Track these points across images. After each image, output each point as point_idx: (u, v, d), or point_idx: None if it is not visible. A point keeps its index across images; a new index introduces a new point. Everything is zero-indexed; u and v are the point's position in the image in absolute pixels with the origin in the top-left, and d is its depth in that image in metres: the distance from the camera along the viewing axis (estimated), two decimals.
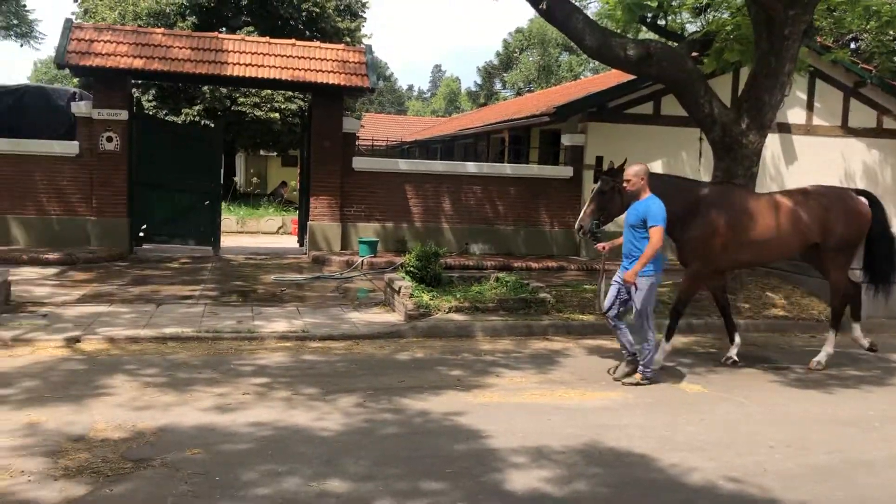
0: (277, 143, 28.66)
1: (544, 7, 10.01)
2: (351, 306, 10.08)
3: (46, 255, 12.72)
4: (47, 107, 14.58)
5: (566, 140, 15.95)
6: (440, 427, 5.52)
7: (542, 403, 6.25)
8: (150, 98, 25.86)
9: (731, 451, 5.27)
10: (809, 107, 16.64)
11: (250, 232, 21.56)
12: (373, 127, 36.41)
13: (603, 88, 15.84)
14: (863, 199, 8.15)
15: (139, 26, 20.62)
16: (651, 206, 6.86)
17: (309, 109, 16.29)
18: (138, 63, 13.86)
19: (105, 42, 14.00)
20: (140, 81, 23.39)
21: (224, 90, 24.89)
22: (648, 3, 11.80)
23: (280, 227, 22.22)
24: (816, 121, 16.70)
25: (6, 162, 13.68)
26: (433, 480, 4.52)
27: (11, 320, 8.29)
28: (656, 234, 6.76)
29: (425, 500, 4.26)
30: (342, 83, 14.63)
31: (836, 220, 7.84)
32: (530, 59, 56.47)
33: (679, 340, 8.91)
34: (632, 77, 13.83)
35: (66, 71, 15.67)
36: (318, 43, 16.77)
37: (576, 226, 7.75)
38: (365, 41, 28.92)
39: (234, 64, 14.45)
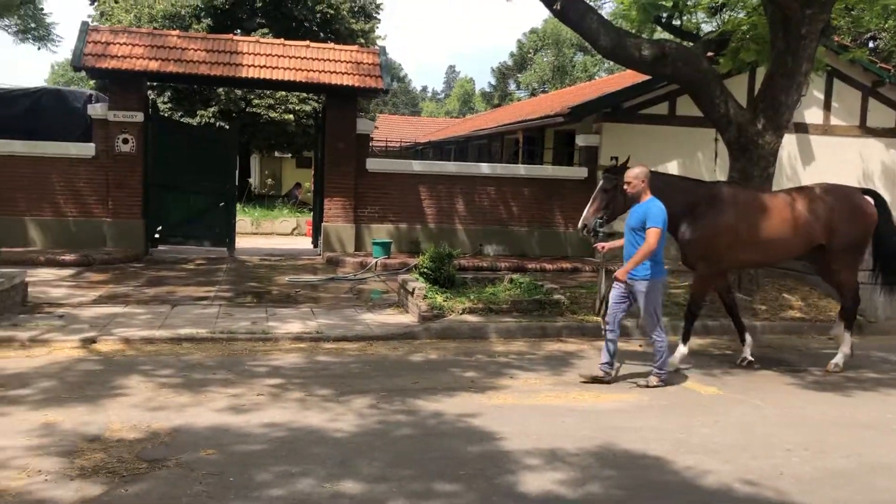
0: (292, 145, 28.75)
1: (558, 7, 9.98)
2: (365, 307, 10.09)
3: (63, 257, 12.82)
4: (64, 109, 14.68)
5: (581, 141, 15.90)
6: (454, 428, 5.51)
7: (556, 405, 6.22)
8: (166, 100, 26.01)
9: (746, 453, 5.22)
10: (827, 106, 16.52)
11: (265, 233, 21.64)
12: (387, 128, 36.48)
13: (618, 89, 15.79)
14: (869, 198, 8.07)
15: (154, 29, 20.76)
16: (651, 208, 6.80)
17: (323, 111, 16.33)
18: (154, 65, 13.95)
19: (121, 44, 14.10)
20: (155, 83, 23.53)
21: (239, 92, 25.01)
22: (663, 2, 11.74)
23: (294, 229, 22.28)
24: (834, 121, 16.57)
25: (23, 164, 13.80)
26: (447, 482, 4.51)
27: (29, 321, 8.36)
28: (652, 235, 6.67)
29: (439, 502, 4.25)
30: (356, 84, 14.66)
31: (840, 220, 7.76)
32: (544, 59, 56.37)
33: (694, 342, 8.85)
34: (647, 77, 13.78)
35: (83, 73, 15.78)
36: (332, 44, 16.84)
37: (579, 224, 7.72)
38: (379, 42, 28.98)
39: (249, 66, 14.51)
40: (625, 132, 15.50)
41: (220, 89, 24.41)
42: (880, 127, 16.71)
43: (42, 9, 15.21)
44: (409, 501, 4.23)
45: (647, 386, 6.87)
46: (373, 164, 15.25)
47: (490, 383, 6.79)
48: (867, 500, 4.57)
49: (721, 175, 14.18)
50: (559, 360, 7.83)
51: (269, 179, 33.09)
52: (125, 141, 13.96)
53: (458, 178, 15.62)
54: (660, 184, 7.34)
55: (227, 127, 23.42)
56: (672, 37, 12.59)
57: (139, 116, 14.05)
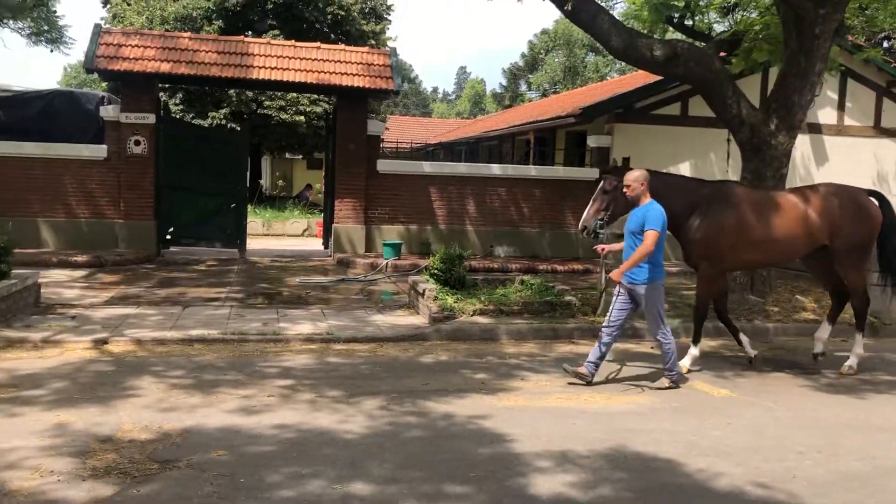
0: (303, 146, 28.83)
1: (570, 8, 9.95)
2: (375, 309, 10.09)
3: (75, 258, 12.89)
4: (76, 111, 14.75)
5: (592, 141, 15.86)
6: (464, 430, 5.49)
7: (567, 407, 6.20)
8: (177, 102, 26.14)
9: (759, 456, 5.18)
10: (841, 107, 16.42)
11: (276, 234, 21.70)
12: (397, 129, 36.49)
13: (629, 89, 15.73)
14: (873, 199, 8.00)
15: (166, 31, 20.86)
16: (650, 211, 6.75)
17: (334, 112, 16.36)
18: (165, 67, 14.00)
19: (133, 47, 14.17)
20: (167, 85, 23.63)
21: (250, 93, 25.10)
22: (675, 3, 11.70)
23: (305, 230, 22.33)
24: (848, 121, 16.46)
25: (36, 165, 13.89)
26: (457, 484, 4.50)
27: (41, 322, 8.41)
28: (650, 237, 6.62)
29: None
30: (367, 86, 14.67)
31: (844, 221, 7.70)
32: (556, 60, 56.29)
33: (707, 344, 8.82)
34: (659, 78, 13.72)
35: (95, 75, 15.88)
36: (342, 46, 16.85)
37: (579, 226, 7.67)
38: (390, 44, 29.03)
39: (260, 67, 14.55)
40: (637, 133, 15.45)
41: (232, 91, 24.52)
42: (895, 127, 16.58)
43: (55, 11, 15.28)
44: (419, 503, 4.22)
45: (659, 388, 6.84)
46: (383, 166, 15.26)
47: (501, 385, 6.78)
48: None
49: (734, 175, 14.11)
50: (570, 362, 7.77)
51: (280, 181, 33.19)
52: (137, 143, 14.03)
53: (468, 179, 15.62)
54: (660, 184, 7.32)
55: (239, 128, 23.51)
56: (684, 37, 12.55)
57: (151, 118, 14.11)
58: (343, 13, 27.25)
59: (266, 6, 26.79)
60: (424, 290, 9.46)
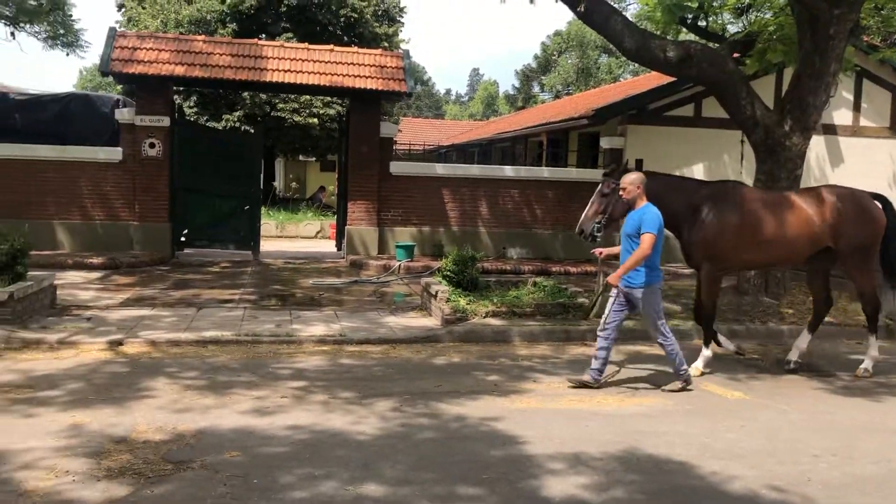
0: (316, 149, 28.91)
1: (582, 10, 9.95)
2: (388, 310, 10.11)
3: (90, 260, 12.98)
4: (92, 114, 14.87)
5: (605, 143, 15.83)
6: (477, 432, 5.50)
7: (579, 409, 6.19)
8: (192, 104, 26.27)
9: (773, 459, 5.15)
10: (856, 107, 16.30)
11: (289, 236, 21.77)
12: (410, 131, 36.55)
13: (642, 91, 15.69)
14: (877, 202, 7.94)
15: (180, 34, 20.98)
16: (646, 213, 6.69)
17: (347, 114, 16.41)
18: (180, 70, 14.09)
19: (147, 50, 14.27)
20: (181, 88, 23.77)
21: (264, 96, 25.21)
22: (689, 3, 11.66)
23: (318, 232, 22.40)
24: (863, 122, 16.35)
25: (52, 168, 14.01)
26: (470, 486, 4.50)
27: (57, 323, 8.48)
28: (647, 240, 6.56)
29: None
30: (380, 88, 14.70)
31: (848, 223, 7.64)
32: (569, 61, 56.19)
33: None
34: (672, 79, 13.68)
35: (110, 78, 15.99)
36: (356, 48, 16.89)
37: (577, 228, 7.63)
38: (403, 46, 29.06)
39: (274, 70, 14.62)
40: (650, 134, 15.41)
41: (245, 93, 24.62)
42: None
43: (71, 15, 15.36)
44: None
45: (672, 391, 6.81)
46: (396, 168, 15.29)
47: (513, 387, 6.77)
48: None
49: (748, 177, 14.04)
50: (583, 363, 7.76)
51: (294, 183, 33.32)
52: (152, 145, 14.12)
53: (481, 180, 15.62)
54: (660, 186, 7.29)
55: (252, 131, 23.67)
56: (697, 38, 12.49)
57: (165, 121, 14.21)
58: (356, 16, 27.32)
59: (279, 9, 26.90)
60: (437, 292, 9.46)
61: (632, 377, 7.31)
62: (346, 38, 26.47)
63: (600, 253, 7.38)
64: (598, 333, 6.90)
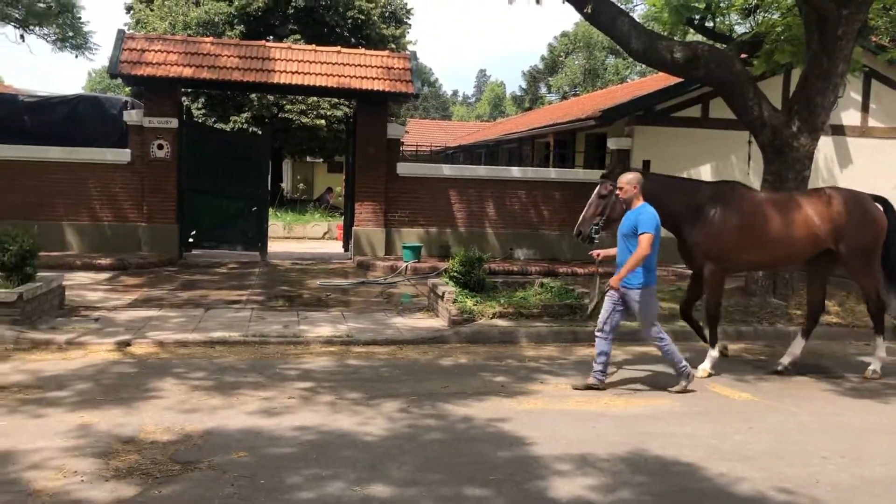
0: (323, 150, 28.98)
1: (589, 10, 9.93)
2: (395, 311, 10.12)
3: (99, 261, 13.03)
4: (101, 115, 14.92)
5: (612, 144, 15.80)
6: (484, 433, 5.50)
7: (586, 410, 6.18)
8: (200, 106, 26.37)
9: (781, 461, 5.14)
10: (864, 108, 16.23)
11: (297, 237, 21.81)
12: (417, 132, 36.56)
13: (649, 91, 15.66)
14: (878, 205, 7.89)
15: (189, 36, 21.04)
16: (642, 214, 6.67)
17: (354, 116, 16.43)
18: (188, 72, 14.14)
19: (156, 52, 14.32)
20: (190, 90, 23.87)
21: (271, 98, 25.27)
22: (696, 4, 11.64)
23: (326, 233, 22.44)
24: (872, 122, 16.27)
25: (61, 170, 14.06)
26: (476, 487, 4.50)
27: (65, 324, 8.51)
28: (645, 241, 6.54)
29: None
30: (387, 89, 14.72)
31: (849, 225, 7.60)
32: (576, 62, 56.13)
33: (728, 347, 8.76)
34: (679, 80, 13.65)
35: (119, 80, 16.06)
36: (363, 50, 16.92)
37: (574, 230, 7.61)
38: (410, 47, 29.11)
39: (281, 72, 14.65)
40: (657, 135, 15.38)
41: (253, 95, 24.70)
42: None
43: (79, 18, 15.45)
44: None
45: (680, 392, 6.79)
46: (403, 169, 15.30)
47: (520, 388, 6.77)
48: None
49: (755, 178, 14.00)
50: (590, 365, 7.73)
51: (301, 184, 33.40)
52: (160, 147, 14.17)
53: (488, 181, 15.62)
54: (659, 187, 7.27)
55: (260, 132, 23.74)
56: (705, 39, 12.46)
57: (174, 122, 14.25)
58: (363, 17, 27.38)
59: (287, 11, 26.98)
60: (444, 293, 9.47)
61: (639, 378, 7.30)
62: (353, 40, 26.53)
63: (597, 255, 7.36)
64: (596, 335, 6.89)
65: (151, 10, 27.35)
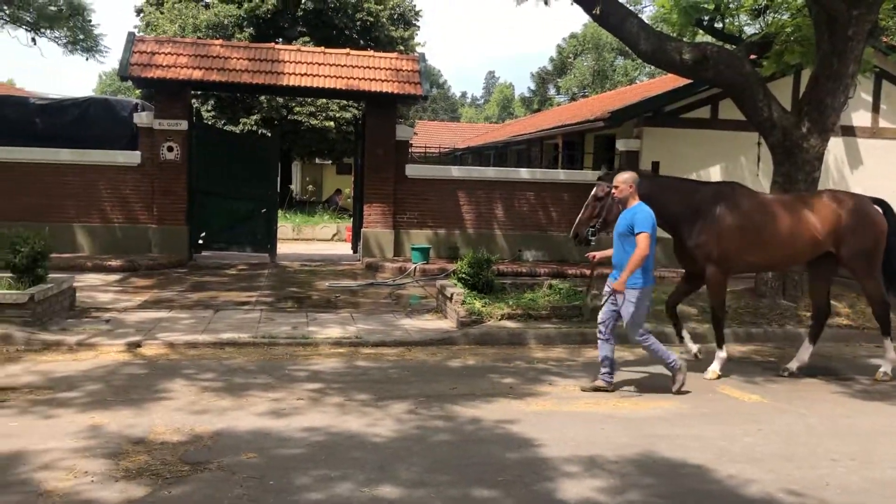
0: (332, 152, 29.03)
1: (598, 12, 9.93)
2: (403, 313, 10.13)
3: (109, 262, 13.10)
4: (111, 118, 15.00)
5: (621, 145, 15.77)
6: (492, 435, 5.50)
7: (595, 412, 6.18)
8: (209, 108, 26.47)
9: (791, 463, 5.12)
10: (875, 109, 16.14)
11: (306, 239, 21.86)
12: (426, 134, 36.60)
13: (659, 93, 15.62)
14: (878, 207, 7.84)
15: (198, 38, 21.14)
16: (638, 213, 6.64)
17: (363, 118, 16.46)
18: (197, 74, 14.20)
19: (166, 54, 14.39)
20: (199, 92, 23.95)
21: (280, 100, 25.33)
22: (705, 5, 11.61)
23: (335, 234, 22.48)
24: (883, 123, 16.18)
25: (72, 172, 14.15)
26: (485, 488, 4.50)
27: (76, 325, 8.56)
28: (643, 241, 6.52)
29: None
30: (395, 91, 14.75)
31: (848, 229, 7.55)
32: (585, 63, 56.05)
33: (737, 349, 8.75)
34: (688, 81, 13.61)
35: (129, 83, 16.14)
36: (371, 52, 16.96)
37: (571, 233, 7.58)
38: (418, 49, 29.15)
39: (290, 74, 14.70)
40: (666, 136, 15.34)
41: (263, 97, 24.77)
42: None
43: (90, 21, 15.57)
44: None
45: (680, 389, 6.76)
46: (412, 171, 15.31)
47: (529, 390, 6.77)
48: None
49: (764, 179, 13.94)
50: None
51: (310, 186, 33.47)
52: (170, 149, 14.24)
53: (497, 183, 15.62)
54: (658, 187, 7.26)
55: (269, 134, 23.81)
56: (714, 40, 12.43)
57: (183, 125, 14.31)
58: (372, 19, 27.43)
59: (296, 13, 27.06)
60: (452, 295, 9.47)
61: (647, 380, 7.28)
62: (362, 42, 26.60)
63: (593, 257, 7.35)
64: (599, 337, 6.87)
65: (161, 13, 27.49)
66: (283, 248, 16.59)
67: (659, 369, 7.66)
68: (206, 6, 27.36)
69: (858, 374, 7.84)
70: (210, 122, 25.32)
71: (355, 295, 11.61)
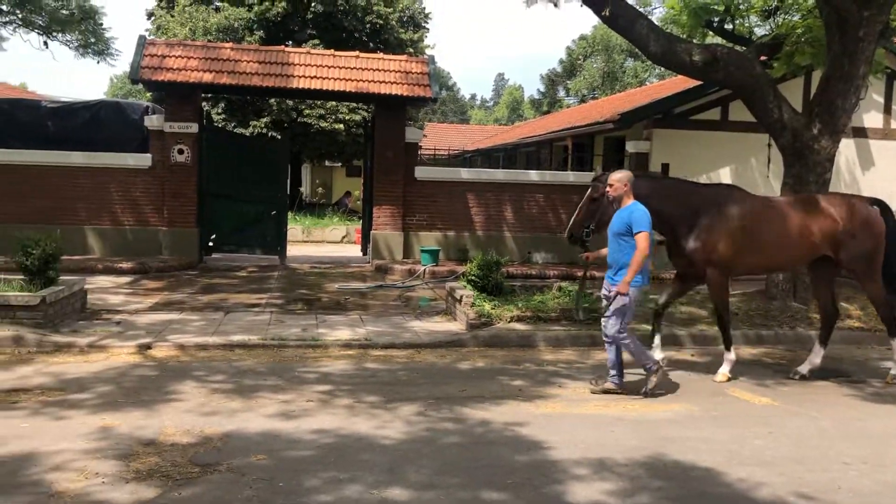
0: (342, 154, 29.07)
1: (607, 14, 9.91)
2: (413, 315, 10.13)
3: (120, 265, 13.16)
4: (122, 121, 15.09)
5: (631, 147, 15.73)
6: (501, 437, 5.49)
7: (604, 414, 6.16)
8: (220, 111, 26.56)
9: (802, 466, 5.09)
10: (887, 110, 16.05)
11: (315, 241, 21.90)
12: (435, 136, 36.62)
13: (668, 94, 15.59)
14: (875, 208, 7.77)
15: (209, 41, 21.22)
16: (634, 212, 6.61)
17: (372, 120, 16.50)
18: (208, 77, 14.26)
19: (176, 57, 14.46)
20: (210, 95, 24.04)
21: (290, 102, 25.40)
22: (715, 7, 11.58)
23: (344, 237, 22.51)
24: (895, 125, 16.09)
25: (83, 174, 14.23)
26: (494, 490, 4.50)
27: (87, 327, 8.61)
28: (643, 240, 6.49)
29: None
30: (405, 94, 14.77)
31: (845, 233, 7.49)
32: (594, 65, 55.95)
33: (747, 352, 8.72)
34: (698, 82, 13.58)
35: (140, 86, 16.22)
36: (381, 54, 16.99)
37: (565, 233, 7.55)
38: (428, 51, 29.17)
39: (300, 76, 14.74)
40: (676, 138, 15.30)
41: (272, 100, 24.83)
42: None
43: (101, 24, 15.69)
44: None
45: (654, 390, 6.69)
46: (421, 173, 15.33)
47: (538, 392, 6.76)
48: None
49: (774, 181, 13.88)
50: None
51: (320, 188, 33.54)
52: (180, 151, 14.30)
53: (506, 185, 15.61)
54: (655, 188, 7.25)
55: (279, 137, 23.88)
56: (724, 41, 12.39)
57: (194, 127, 14.37)
58: (381, 22, 27.47)
59: (306, 16, 27.13)
60: (462, 297, 9.47)
61: (658, 382, 7.23)
62: (371, 45, 26.62)
63: (587, 257, 7.34)
64: (605, 340, 6.86)
65: (172, 17, 27.61)
66: (292, 250, 16.64)
67: (670, 371, 7.64)
68: (217, 9, 27.47)
69: (870, 377, 7.79)
70: (220, 125, 25.40)
71: (365, 297, 11.62)
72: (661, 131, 15.42)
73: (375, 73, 15.08)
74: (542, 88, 63.14)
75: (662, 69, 23.88)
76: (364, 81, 14.86)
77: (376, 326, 9.24)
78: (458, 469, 4.82)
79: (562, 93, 60.82)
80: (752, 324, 9.56)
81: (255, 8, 26.52)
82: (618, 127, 15.60)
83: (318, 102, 25.26)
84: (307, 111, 26.06)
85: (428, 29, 31.27)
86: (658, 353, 7.59)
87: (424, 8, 31.29)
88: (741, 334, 9.10)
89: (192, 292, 11.40)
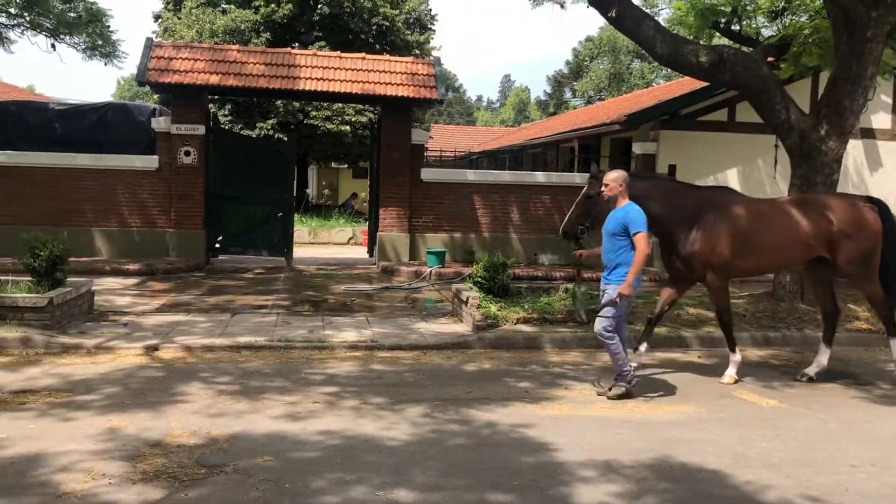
0: (348, 156, 29.13)
1: (614, 15, 9.90)
2: (419, 317, 10.13)
3: (127, 266, 13.20)
4: (129, 123, 15.14)
5: (637, 148, 15.72)
6: (508, 439, 5.49)
7: (611, 416, 6.15)
8: (226, 113, 26.64)
9: (809, 469, 5.07)
10: (895, 111, 15.99)
11: (322, 243, 21.94)
12: (441, 138, 36.65)
13: (675, 96, 15.55)
14: (871, 207, 7.72)
15: (215, 43, 21.29)
16: (630, 212, 6.59)
17: (378, 122, 16.51)
18: (215, 79, 14.29)
19: (183, 59, 14.49)
20: (216, 97, 24.09)
21: (297, 104, 25.46)
22: (722, 8, 11.57)
23: (350, 238, 22.54)
24: None
25: (91, 176, 14.27)
26: (500, 492, 4.49)
27: (94, 329, 8.63)
28: (642, 240, 6.46)
29: None
30: (411, 95, 14.77)
31: (840, 234, 7.44)
32: (601, 67, 55.93)
33: (755, 353, 8.69)
34: (705, 84, 13.55)
35: (147, 88, 16.27)
36: (387, 56, 17.01)
37: (560, 231, 7.54)
38: (434, 53, 29.22)
39: (307, 78, 14.76)
40: (683, 139, 15.27)
41: (279, 102, 24.90)
42: None
43: (108, 27, 15.71)
44: None
45: (618, 395, 6.59)
46: (427, 174, 15.33)
47: (544, 394, 6.75)
48: None
49: (782, 182, 13.85)
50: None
51: (326, 190, 33.57)
52: (187, 153, 14.33)
53: (512, 186, 15.60)
54: (653, 188, 7.24)
55: (286, 139, 23.90)
56: (731, 42, 12.37)
57: (201, 129, 14.41)
58: (388, 24, 27.52)
59: (312, 18, 27.20)
60: (468, 298, 9.47)
61: (663, 384, 7.24)
62: (377, 47, 26.68)
63: (581, 255, 7.33)
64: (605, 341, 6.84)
65: (179, 19, 27.71)
66: (299, 251, 16.66)
67: (676, 374, 7.63)
68: (223, 12, 27.55)
69: (878, 379, 7.75)
70: (227, 127, 25.47)
71: (371, 299, 11.63)
72: (667, 132, 15.39)
73: (382, 74, 15.09)
74: (549, 90, 63.22)
75: (669, 70, 23.84)
76: (370, 83, 14.87)
77: (382, 328, 9.25)
78: (464, 471, 4.82)
79: (568, 94, 60.83)
80: (760, 325, 9.53)
81: (262, 10, 26.60)
82: (624, 128, 15.58)
83: (325, 104, 25.32)
84: (313, 113, 26.12)
85: (434, 31, 31.36)
86: (639, 359, 7.54)
87: (431, 10, 31.35)
88: (748, 336, 9.08)
89: (199, 294, 11.42)
